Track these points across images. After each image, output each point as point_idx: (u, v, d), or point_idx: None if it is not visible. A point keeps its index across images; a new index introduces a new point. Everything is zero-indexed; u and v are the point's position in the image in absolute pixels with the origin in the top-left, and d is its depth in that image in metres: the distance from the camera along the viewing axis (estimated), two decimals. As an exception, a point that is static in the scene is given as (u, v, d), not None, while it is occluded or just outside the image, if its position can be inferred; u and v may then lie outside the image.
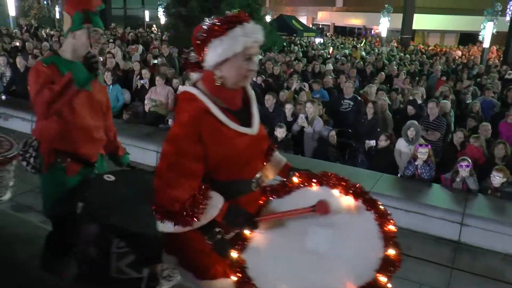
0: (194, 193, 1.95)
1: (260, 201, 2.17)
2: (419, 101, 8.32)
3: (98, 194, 2.78)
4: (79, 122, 2.88)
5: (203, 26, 2.00)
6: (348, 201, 2.07)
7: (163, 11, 17.72)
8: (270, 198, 2.18)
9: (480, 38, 21.07)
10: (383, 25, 26.97)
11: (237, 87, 2.10)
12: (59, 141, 2.87)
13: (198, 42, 2.01)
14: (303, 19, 38.27)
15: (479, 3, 25.40)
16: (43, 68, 2.79)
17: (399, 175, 6.27)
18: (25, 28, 18.67)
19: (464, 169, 5.52)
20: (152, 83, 8.81)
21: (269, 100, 7.48)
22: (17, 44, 12.99)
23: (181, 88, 2.12)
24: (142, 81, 9.02)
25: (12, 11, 21.68)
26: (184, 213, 1.93)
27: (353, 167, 6.45)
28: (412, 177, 5.87)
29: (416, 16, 28.37)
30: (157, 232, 2.08)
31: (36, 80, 2.76)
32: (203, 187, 1.98)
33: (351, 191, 2.08)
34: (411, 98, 8.52)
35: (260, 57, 13.82)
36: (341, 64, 13.15)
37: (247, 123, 2.12)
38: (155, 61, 11.04)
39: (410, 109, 7.80)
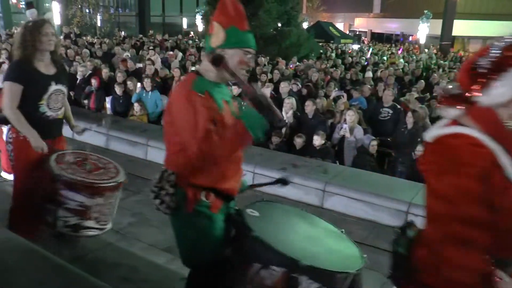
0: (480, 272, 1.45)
1: None
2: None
3: (265, 232, 2.27)
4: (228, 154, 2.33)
5: (493, 49, 1.54)
6: None
7: (201, 18, 17.89)
8: None
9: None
10: (422, 31, 26.50)
11: None
12: (203, 175, 2.34)
13: (483, 70, 1.55)
14: (340, 26, 38.09)
15: (524, 8, 24.65)
16: (201, 98, 2.22)
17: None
18: (68, 35, 19.20)
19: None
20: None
21: (309, 107, 7.42)
22: (62, 51, 13.37)
23: (454, 129, 1.63)
24: (181, 88, 9.11)
25: (57, 20, 22.42)
26: None
27: (392, 177, 6.32)
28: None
29: (456, 22, 27.79)
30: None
31: (196, 117, 2.18)
32: (488, 264, 1.49)
33: None
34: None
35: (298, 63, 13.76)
36: (380, 71, 12.95)
37: None
38: (193, 68, 11.15)
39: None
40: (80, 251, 3.92)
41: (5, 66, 6.91)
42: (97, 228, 3.40)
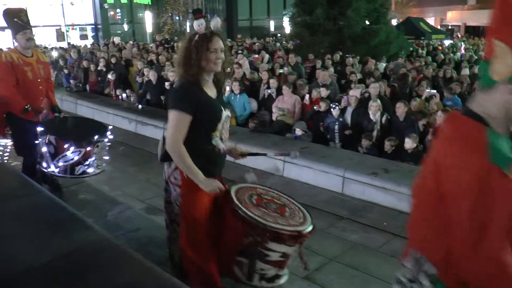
0: None
1: None
2: None
3: None
4: None
5: None
6: None
7: (288, 21, 17.89)
8: None
9: None
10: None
11: None
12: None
13: None
14: (431, 20, 36.49)
15: None
16: (505, 182, 1.52)
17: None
18: (160, 42, 20.03)
19: None
20: (278, 92, 8.90)
21: (400, 109, 7.13)
22: (153, 57, 13.95)
23: None
24: (269, 91, 9.15)
25: (149, 28, 23.60)
26: None
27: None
28: None
29: None
30: None
31: (491, 213, 1.53)
32: None
33: None
34: None
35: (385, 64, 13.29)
36: (478, 68, 12.13)
37: None
38: (281, 71, 11.16)
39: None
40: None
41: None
42: (284, 274, 3.03)
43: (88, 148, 4.29)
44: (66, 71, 13.46)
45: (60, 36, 26.78)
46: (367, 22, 15.71)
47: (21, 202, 3.81)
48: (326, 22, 14.73)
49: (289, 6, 19.00)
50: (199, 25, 2.77)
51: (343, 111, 7.69)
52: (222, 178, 3.07)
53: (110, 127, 4.72)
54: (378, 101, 7.39)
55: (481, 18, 38.40)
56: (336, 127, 7.50)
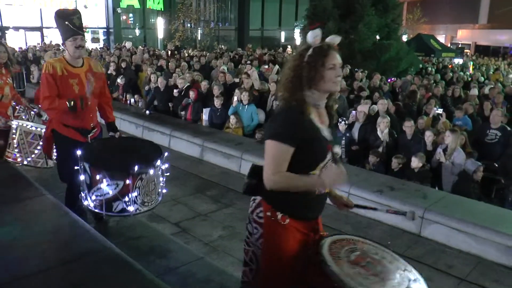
0: None
1: None
2: None
3: None
4: None
5: None
6: None
7: (300, 32, 17.96)
8: None
9: None
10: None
11: None
12: None
13: None
14: (441, 38, 36.44)
15: None
16: None
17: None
18: (171, 51, 20.07)
19: None
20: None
21: (408, 127, 7.09)
22: (163, 63, 13.97)
23: None
24: (277, 102, 9.12)
25: (160, 33, 23.76)
26: None
27: (501, 208, 5.77)
28: None
29: None
30: None
31: None
32: None
33: None
34: None
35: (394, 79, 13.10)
36: (488, 88, 12.01)
37: None
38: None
39: None
40: (173, 262, 4.02)
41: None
42: None
43: (127, 182, 3.56)
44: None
45: (72, 38, 26.91)
46: (377, 37, 15.73)
47: (24, 206, 3.81)
48: (338, 35, 14.75)
49: (301, 18, 19.08)
50: (315, 36, 2.34)
51: (350, 126, 7.65)
52: (319, 223, 2.60)
53: (166, 154, 3.94)
54: (388, 117, 7.36)
55: (492, 37, 38.41)
56: (343, 142, 7.47)
